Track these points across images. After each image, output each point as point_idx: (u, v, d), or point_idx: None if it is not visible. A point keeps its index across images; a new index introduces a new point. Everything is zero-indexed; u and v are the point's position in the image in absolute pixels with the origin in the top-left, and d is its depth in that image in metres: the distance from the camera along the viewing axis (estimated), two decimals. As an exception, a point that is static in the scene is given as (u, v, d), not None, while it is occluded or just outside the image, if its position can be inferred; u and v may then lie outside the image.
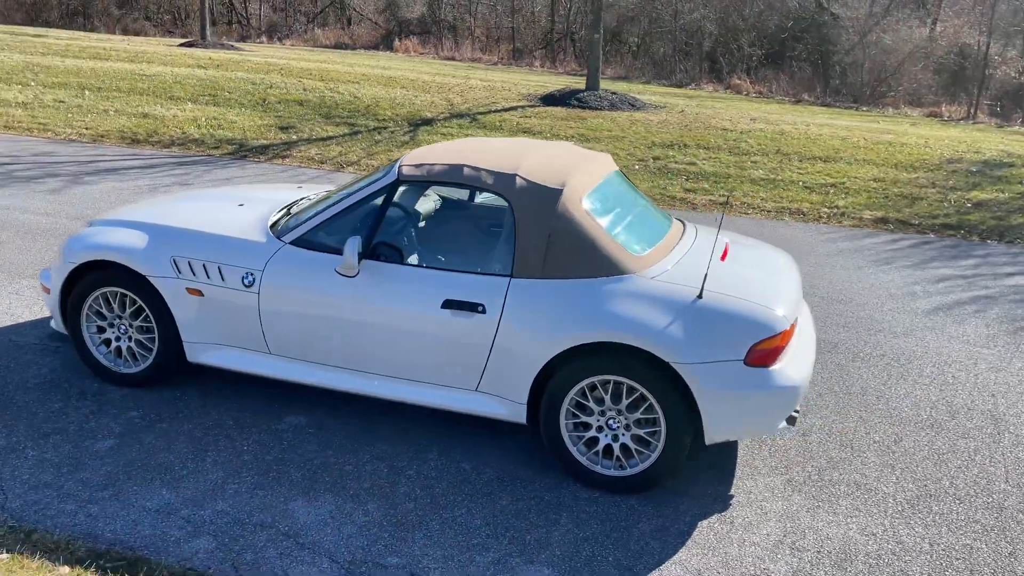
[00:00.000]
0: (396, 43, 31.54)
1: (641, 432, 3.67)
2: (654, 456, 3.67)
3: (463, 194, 4.48)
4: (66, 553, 3.09)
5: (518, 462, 3.96)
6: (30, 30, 23.08)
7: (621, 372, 3.59)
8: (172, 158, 10.33)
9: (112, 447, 3.88)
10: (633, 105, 13.74)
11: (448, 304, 3.78)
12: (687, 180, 10.36)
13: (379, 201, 4.01)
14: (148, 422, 4.11)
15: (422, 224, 4.13)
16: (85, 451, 3.83)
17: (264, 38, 32.93)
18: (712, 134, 12.40)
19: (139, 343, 4.36)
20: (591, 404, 3.70)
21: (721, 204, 9.58)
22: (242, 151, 10.83)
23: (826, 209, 9.56)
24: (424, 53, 30.38)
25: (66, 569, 2.94)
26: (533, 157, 4.08)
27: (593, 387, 3.68)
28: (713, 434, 3.60)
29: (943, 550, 3.48)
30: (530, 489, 3.75)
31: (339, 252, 3.97)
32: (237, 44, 23.31)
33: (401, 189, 4.05)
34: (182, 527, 3.35)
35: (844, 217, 9.33)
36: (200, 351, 4.25)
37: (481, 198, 4.56)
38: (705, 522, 3.59)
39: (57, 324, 4.49)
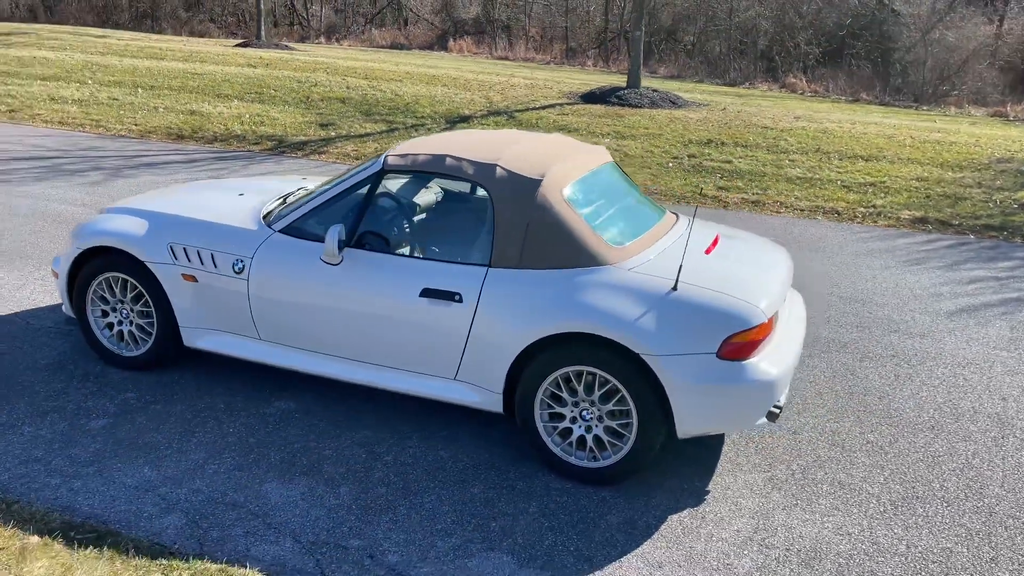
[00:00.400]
0: (450, 43, 31.78)
1: (614, 424, 3.66)
2: (626, 448, 3.64)
3: (449, 184, 4.51)
4: (40, 524, 3.22)
5: (496, 451, 3.97)
6: (94, 31, 23.94)
7: (593, 363, 3.58)
8: (212, 153, 10.61)
9: (104, 426, 4.02)
10: (674, 103, 13.60)
11: (426, 293, 3.81)
12: (721, 178, 10.21)
13: (365, 191, 4.07)
14: (143, 403, 4.25)
15: (407, 214, 4.18)
16: (78, 429, 3.97)
17: (323, 39, 33.53)
18: (752, 132, 12.20)
19: (139, 327, 4.51)
20: (565, 395, 3.70)
21: (753, 202, 9.43)
22: (281, 147, 11.07)
23: (862, 208, 9.33)
24: (478, 53, 30.56)
25: (35, 539, 3.06)
26: (517, 148, 4.09)
27: (567, 378, 3.68)
28: (685, 428, 3.57)
29: (919, 553, 3.38)
30: (504, 478, 3.77)
31: (325, 240, 4.05)
32: (292, 44, 23.80)
33: (387, 179, 4.10)
34: (157, 504, 3.45)
35: (880, 217, 9.09)
36: (196, 336, 4.38)
37: (465, 188, 4.58)
38: (675, 516, 3.56)
39: (66, 308, 4.66)
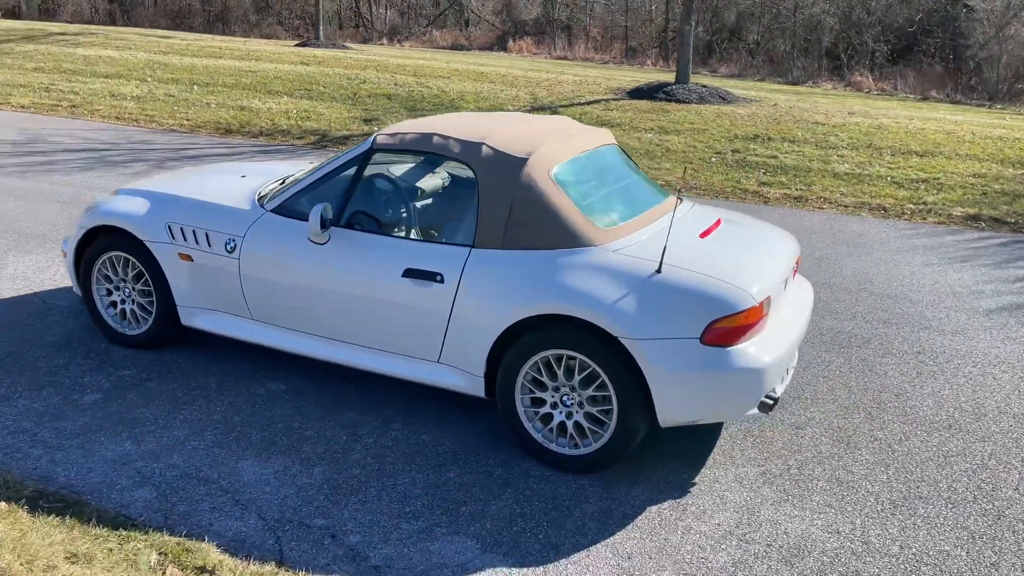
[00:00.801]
0: (510, 44, 31.81)
1: (594, 411, 3.53)
2: (607, 436, 3.51)
3: (437, 163, 4.43)
4: (13, 491, 3.26)
5: (480, 437, 3.88)
6: (159, 32, 24.68)
7: (573, 347, 3.46)
8: (256, 147, 10.78)
9: (96, 401, 4.07)
10: (724, 99, 13.30)
11: (408, 273, 3.75)
12: (764, 173, 9.92)
13: (354, 170, 4.03)
14: (138, 380, 4.29)
15: (395, 193, 4.12)
16: (71, 403, 4.03)
17: (385, 40, 33.93)
18: (801, 128, 11.84)
19: (140, 306, 4.56)
20: (546, 380, 3.59)
21: (795, 198, 9.13)
22: (323, 141, 11.18)
23: (911, 205, 8.94)
24: (537, 53, 30.51)
25: (3, 504, 3.09)
26: (509, 127, 3.99)
27: (548, 362, 3.57)
28: (667, 415, 3.42)
29: (913, 554, 3.17)
30: (483, 464, 3.67)
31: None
32: (350, 44, 24.12)
33: (376, 158, 4.06)
34: (131, 477, 3.47)
35: (930, 214, 8.69)
36: (192, 315, 4.40)
37: (452, 167, 4.51)
38: (655, 507, 3.41)
39: (75, 287, 4.75)
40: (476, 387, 3.75)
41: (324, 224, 3.85)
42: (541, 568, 3.03)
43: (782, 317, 3.79)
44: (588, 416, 3.56)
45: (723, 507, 3.43)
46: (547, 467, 3.65)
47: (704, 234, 3.88)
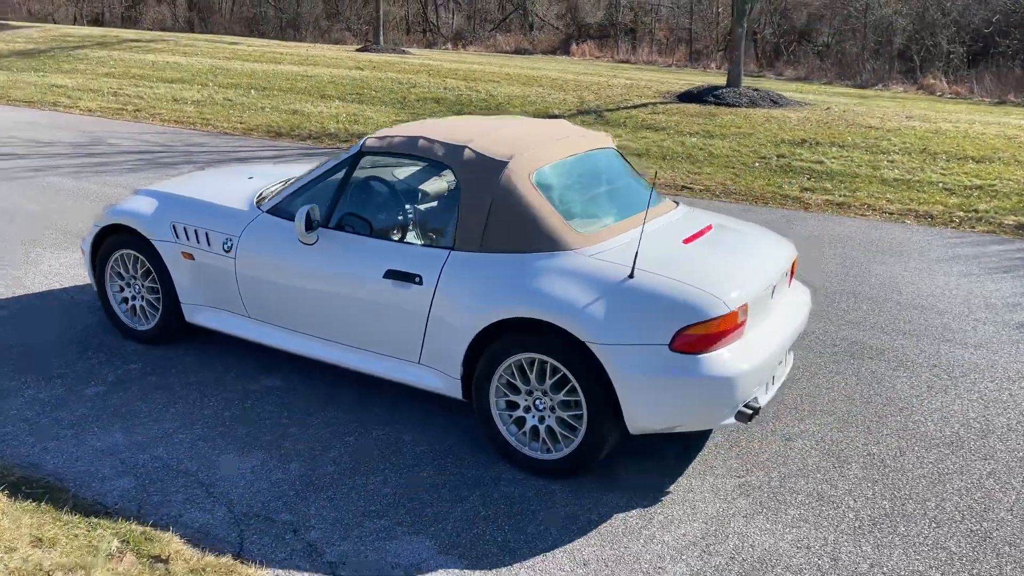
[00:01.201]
0: (573, 47, 31.76)
1: (566, 415, 3.51)
2: (577, 441, 3.49)
3: (423, 167, 4.45)
4: (0, 477, 3.41)
5: (460, 439, 3.90)
6: (228, 38, 25.44)
7: (544, 351, 3.45)
8: (302, 150, 11.03)
9: (98, 393, 4.22)
10: (775, 102, 13.03)
11: (389, 274, 3.79)
12: (808, 179, 9.68)
13: (343, 173, 4.10)
14: (141, 374, 4.44)
15: (382, 196, 4.17)
16: (74, 394, 4.20)
17: (449, 45, 34.26)
18: (852, 132, 11.51)
19: (148, 302, 4.72)
20: (519, 383, 3.58)
21: (837, 204, 8.89)
22: (367, 144, 11.36)
23: (961, 213, 8.60)
24: (600, 57, 30.39)
25: (-16, 489, 3.25)
26: (498, 132, 4.00)
27: (521, 366, 3.56)
28: (636, 422, 3.37)
29: (883, 573, 3.05)
30: (458, 466, 3.69)
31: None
32: (409, 49, 24.45)
33: (364, 161, 4.12)
34: (115, 467, 3.59)
35: (980, 222, 8.35)
36: (194, 312, 4.54)
37: (437, 170, 4.51)
38: (622, 515, 3.37)
39: (93, 283, 4.94)
40: (454, 389, 3.77)
41: (309, 225, 3.92)
42: (493, 571, 3.03)
43: (767, 324, 3.70)
44: (560, 421, 3.54)
45: (692, 517, 3.37)
46: (520, 471, 3.64)
47: (688, 240, 3.82)
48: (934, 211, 8.66)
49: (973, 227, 8.24)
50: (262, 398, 4.22)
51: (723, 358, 3.33)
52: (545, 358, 3.46)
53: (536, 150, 3.86)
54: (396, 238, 3.96)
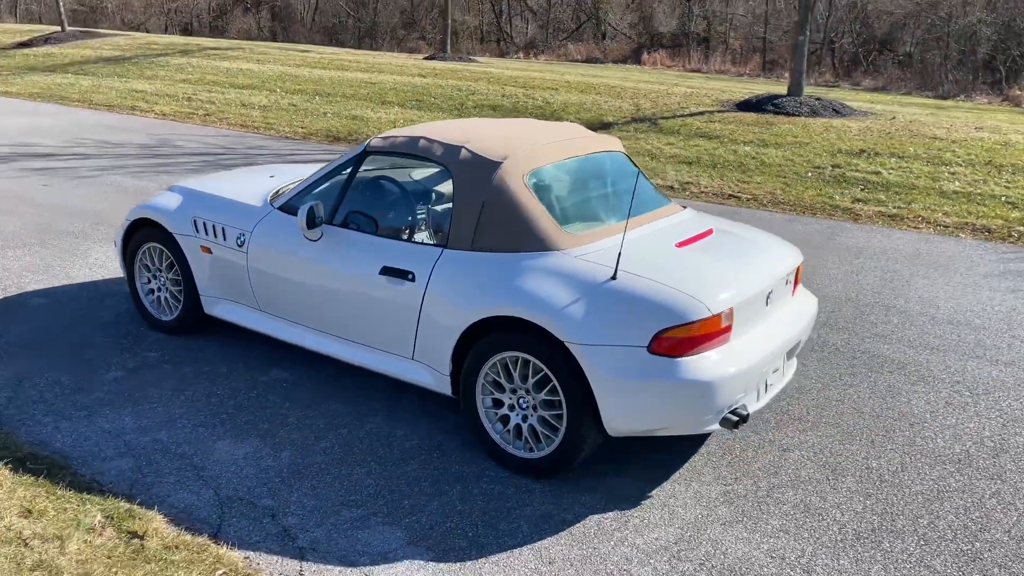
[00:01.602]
0: (644, 56, 31.58)
1: (547, 415, 3.51)
2: (557, 441, 3.49)
3: (423, 166, 4.51)
4: (9, 452, 3.60)
5: (452, 436, 3.94)
6: (299, 46, 26.12)
7: (528, 350, 3.47)
8: (356, 154, 11.27)
9: (116, 378, 4.42)
10: (838, 112, 12.70)
11: (385, 271, 3.87)
12: (862, 190, 9.42)
13: (349, 171, 4.20)
14: (158, 362, 4.62)
15: (384, 194, 4.25)
16: (93, 379, 4.40)
17: (521, 54, 34.47)
18: (915, 143, 11.14)
19: (171, 294, 4.91)
20: (504, 381, 3.60)
21: (889, 216, 8.62)
22: (420, 149, 11.53)
23: (1022, 227, 8.24)
24: (671, 66, 30.12)
25: (-10, 462, 3.44)
26: (496, 132, 4.04)
27: (506, 364, 3.58)
28: (614, 424, 3.36)
29: (856, 589, 2.97)
30: (444, 461, 3.73)
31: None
32: (480, 58, 24.69)
33: (368, 160, 4.21)
34: (117, 448, 3.76)
35: (1041, 237, 7.98)
36: (212, 304, 4.70)
37: (436, 169, 4.56)
38: (597, 516, 3.36)
39: (125, 275, 5.17)
40: (443, 385, 3.81)
41: (311, 222, 4.03)
42: (458, 564, 3.06)
43: (760, 330, 3.63)
44: (542, 420, 3.55)
45: (669, 523, 3.33)
46: (504, 469, 3.66)
47: (682, 243, 3.78)
48: (992, 225, 8.32)
49: (1032, 242, 7.88)
50: (268, 389, 4.35)
51: (703, 362, 3.29)
52: (528, 357, 3.48)
53: (533, 151, 3.88)
54: (395, 236, 4.04)
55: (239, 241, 4.44)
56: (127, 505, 3.27)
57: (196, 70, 18.40)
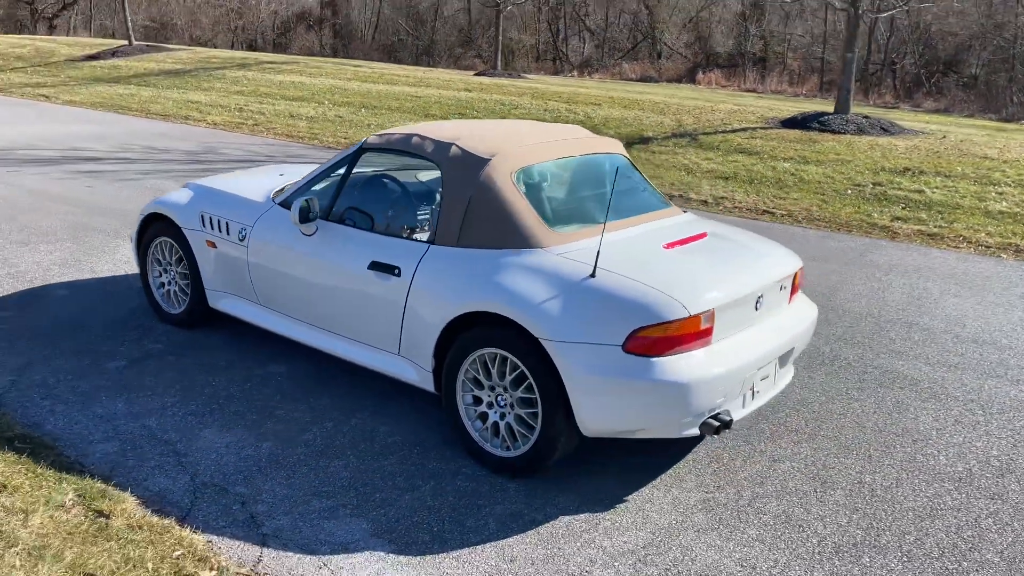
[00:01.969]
0: (699, 76, 31.37)
1: (523, 413, 3.47)
2: (533, 439, 3.44)
3: (416, 163, 4.50)
4: (-1, 431, 3.71)
5: (435, 433, 3.91)
6: (353, 62, 26.58)
7: (505, 346, 3.44)
8: (393, 164, 11.39)
9: (118, 368, 4.51)
10: (886, 130, 12.40)
11: (373, 265, 3.88)
12: (903, 208, 9.15)
13: (345, 168, 4.23)
14: (162, 353, 4.71)
15: (378, 191, 4.27)
16: (96, 368, 4.50)
17: (575, 72, 34.55)
18: (963, 162, 10.80)
19: (180, 288, 5.01)
20: (482, 378, 3.57)
21: (929, 235, 8.36)
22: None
23: (1069, 249, 7.90)
24: (727, 86, 29.87)
25: (-24, 439, 3.53)
26: (490, 131, 4.04)
27: (485, 361, 3.55)
28: (588, 424, 3.30)
29: (825, 602, 2.84)
30: (423, 457, 3.71)
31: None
32: (531, 75, 24.81)
33: (364, 157, 4.24)
34: (106, 432, 3.82)
35: (1088, 259, 7.64)
36: (216, 298, 4.78)
37: (427, 166, 4.54)
38: (567, 517, 3.29)
39: (139, 269, 5.29)
40: (427, 381, 3.80)
41: (304, 216, 4.07)
42: (418, 558, 3.02)
43: (747, 335, 3.54)
44: (518, 419, 3.50)
45: (641, 527, 3.25)
46: (481, 467, 3.62)
47: (671, 245, 3.71)
48: (1037, 246, 7.99)
49: (1079, 265, 7.54)
50: (263, 382, 4.39)
51: (680, 363, 3.21)
52: (505, 354, 3.44)
53: (524, 149, 3.86)
54: (386, 231, 4.05)
55: (240, 236, 4.51)
56: (102, 486, 3.32)
57: (251, 83, 18.86)
